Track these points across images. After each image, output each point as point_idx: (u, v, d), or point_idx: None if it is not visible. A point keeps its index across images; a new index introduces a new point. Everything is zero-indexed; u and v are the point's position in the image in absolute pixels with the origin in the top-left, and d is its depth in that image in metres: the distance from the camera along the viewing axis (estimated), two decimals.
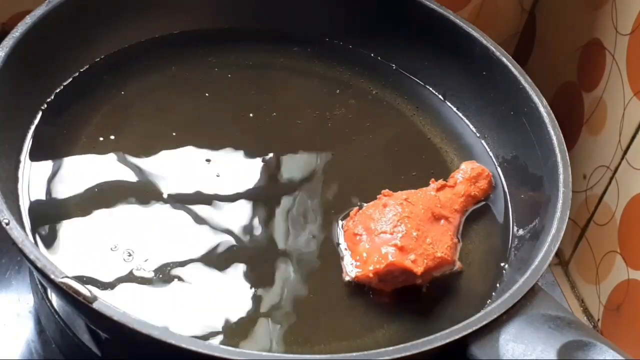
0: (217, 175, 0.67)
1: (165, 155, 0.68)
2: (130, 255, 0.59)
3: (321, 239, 0.64)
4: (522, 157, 0.71)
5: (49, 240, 0.59)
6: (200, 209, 0.64)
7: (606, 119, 0.80)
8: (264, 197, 0.66)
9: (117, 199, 0.63)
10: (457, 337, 0.51)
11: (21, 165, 0.63)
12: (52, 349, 0.67)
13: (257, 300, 0.59)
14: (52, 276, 0.50)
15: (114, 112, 0.70)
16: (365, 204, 0.66)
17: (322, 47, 0.81)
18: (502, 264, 0.65)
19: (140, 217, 0.63)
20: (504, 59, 0.73)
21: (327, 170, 0.70)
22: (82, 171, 0.65)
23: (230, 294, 0.59)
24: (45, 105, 0.68)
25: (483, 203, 0.69)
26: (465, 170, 0.69)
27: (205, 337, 0.55)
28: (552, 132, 0.67)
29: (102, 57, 0.74)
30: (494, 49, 0.73)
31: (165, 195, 0.64)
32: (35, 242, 0.58)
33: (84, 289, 0.49)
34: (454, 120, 0.77)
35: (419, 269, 0.59)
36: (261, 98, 0.76)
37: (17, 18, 0.67)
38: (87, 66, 0.73)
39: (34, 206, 0.61)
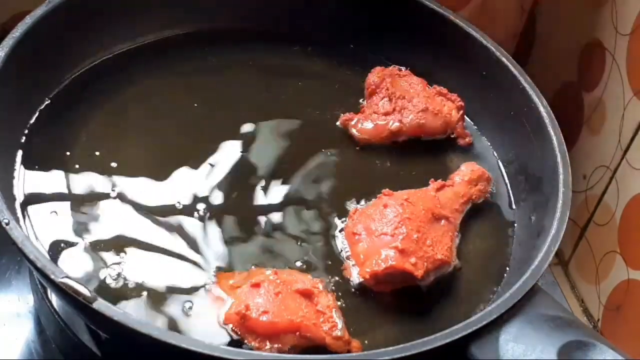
0: (217, 175, 0.67)
1: (165, 155, 0.68)
2: (123, 256, 0.59)
3: (320, 238, 0.64)
4: (522, 157, 0.71)
5: (47, 240, 0.59)
6: (200, 209, 0.64)
7: (606, 119, 0.80)
8: (264, 196, 0.66)
9: (117, 199, 0.63)
10: (457, 337, 0.51)
11: (21, 165, 0.63)
12: (52, 349, 0.67)
13: None
14: (52, 276, 0.50)
15: (114, 112, 0.70)
16: (365, 203, 0.66)
17: (322, 46, 0.81)
18: (502, 264, 0.65)
19: (139, 216, 0.63)
20: (504, 59, 0.73)
21: (327, 169, 0.70)
22: (82, 170, 0.65)
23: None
24: (45, 105, 0.68)
25: (483, 203, 0.69)
26: (465, 171, 0.69)
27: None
28: (552, 132, 0.67)
29: (102, 57, 0.74)
30: (494, 49, 0.74)
31: (165, 195, 0.64)
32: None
33: (84, 289, 0.49)
34: None
35: (419, 272, 0.59)
36: (261, 98, 0.76)
37: (17, 18, 0.67)
38: (87, 66, 0.73)
39: (33, 205, 0.61)
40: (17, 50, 0.63)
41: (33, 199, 0.62)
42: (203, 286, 0.58)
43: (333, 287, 0.60)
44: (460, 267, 0.63)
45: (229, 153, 0.69)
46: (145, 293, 0.57)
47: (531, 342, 0.52)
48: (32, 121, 0.67)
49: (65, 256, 0.58)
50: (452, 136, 0.74)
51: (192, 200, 0.64)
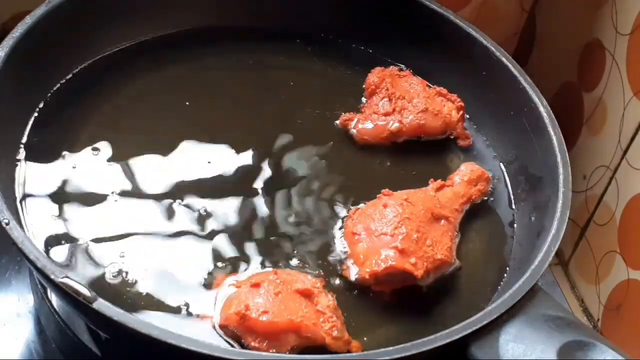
0: (217, 174, 0.67)
1: (165, 154, 0.68)
2: (123, 256, 0.59)
3: (320, 238, 0.64)
4: (522, 157, 0.71)
5: (48, 240, 0.59)
6: (199, 208, 0.64)
7: (606, 119, 0.80)
8: (263, 196, 0.66)
9: (116, 198, 0.63)
10: (457, 337, 0.51)
11: (21, 164, 0.63)
12: (52, 349, 0.67)
13: None
14: (52, 276, 0.50)
15: (113, 111, 0.70)
16: (364, 203, 0.66)
17: (322, 45, 0.81)
18: (502, 264, 0.65)
19: (139, 215, 0.63)
20: (504, 59, 0.73)
21: (327, 168, 0.70)
22: (81, 169, 0.65)
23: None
24: (45, 105, 0.68)
25: (483, 203, 0.69)
26: (464, 172, 0.69)
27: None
28: (552, 132, 0.67)
29: (102, 56, 0.74)
30: (494, 49, 0.74)
31: (165, 195, 0.64)
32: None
33: (84, 289, 0.49)
34: None
35: (419, 272, 0.59)
36: (261, 97, 0.76)
37: (17, 18, 0.67)
38: (87, 65, 0.73)
39: (34, 205, 0.61)
40: (17, 50, 0.63)
41: (33, 198, 0.62)
42: (203, 286, 0.58)
43: (333, 287, 0.60)
44: (460, 267, 0.63)
45: (228, 152, 0.69)
46: (145, 292, 0.57)
47: (531, 342, 0.52)
48: (32, 121, 0.67)
49: (65, 255, 0.58)
50: (452, 137, 0.74)
51: (191, 199, 0.64)
